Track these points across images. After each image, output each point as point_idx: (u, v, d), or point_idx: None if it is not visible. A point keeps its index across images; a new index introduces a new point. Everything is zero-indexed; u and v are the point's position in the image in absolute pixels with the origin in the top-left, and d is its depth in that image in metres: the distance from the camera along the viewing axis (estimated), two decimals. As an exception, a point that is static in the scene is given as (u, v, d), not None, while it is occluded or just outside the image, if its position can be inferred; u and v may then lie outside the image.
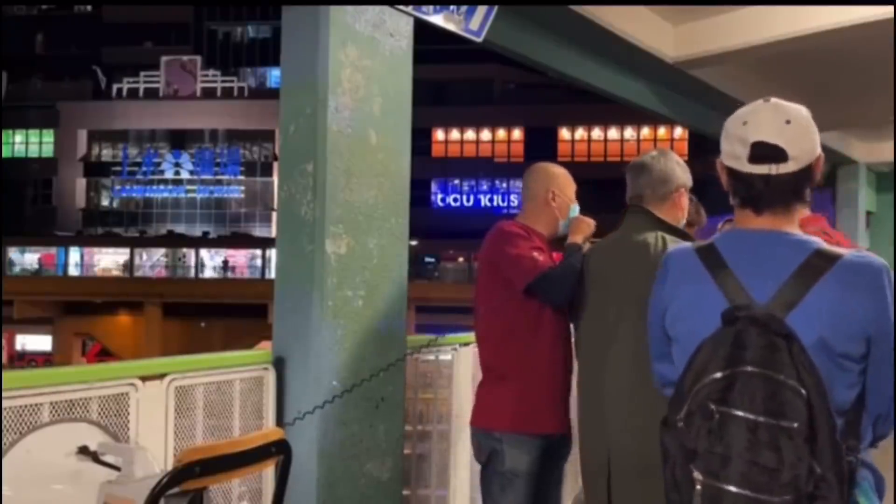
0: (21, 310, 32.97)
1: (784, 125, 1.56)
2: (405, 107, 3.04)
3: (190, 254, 35.90)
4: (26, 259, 36.25)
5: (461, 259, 35.42)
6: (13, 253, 35.77)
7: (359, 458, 2.82)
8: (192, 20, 40.03)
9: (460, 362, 3.64)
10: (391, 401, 2.93)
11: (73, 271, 35.94)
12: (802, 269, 1.53)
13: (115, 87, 38.51)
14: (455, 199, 37.66)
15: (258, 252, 35.07)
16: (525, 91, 36.42)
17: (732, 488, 1.39)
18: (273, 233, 27.78)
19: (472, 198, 37.51)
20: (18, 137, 39.05)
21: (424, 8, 3.06)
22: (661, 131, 35.34)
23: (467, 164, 37.11)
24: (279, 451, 1.93)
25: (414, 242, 26.37)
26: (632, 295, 2.45)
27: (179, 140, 38.18)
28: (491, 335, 2.85)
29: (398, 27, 2.99)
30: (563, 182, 2.93)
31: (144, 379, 2.37)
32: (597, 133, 36.75)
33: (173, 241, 36.30)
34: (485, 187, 37.42)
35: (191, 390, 2.52)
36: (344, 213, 2.79)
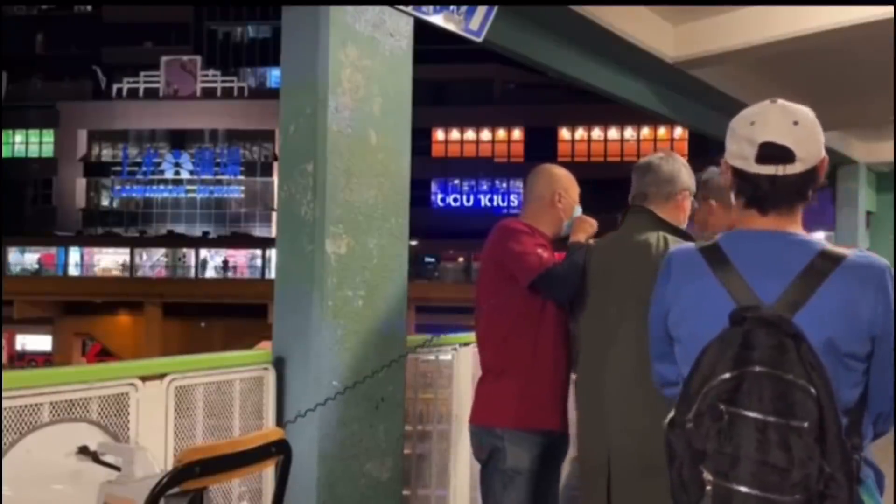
0: (21, 310, 32.98)
1: (792, 126, 1.57)
2: (405, 107, 3.04)
3: (190, 254, 35.90)
4: (26, 259, 36.25)
5: (461, 259, 35.42)
6: (13, 253, 35.77)
7: (359, 458, 2.82)
8: (192, 20, 40.03)
9: (460, 362, 3.64)
10: (391, 401, 2.93)
11: (73, 271, 35.94)
12: (808, 270, 1.54)
13: (115, 87, 38.52)
14: (455, 199, 37.66)
15: (258, 252, 35.07)
16: (525, 91, 36.42)
17: (743, 488, 1.39)
18: (273, 233, 27.78)
19: (472, 198, 37.52)
20: (18, 137, 39.05)
21: (424, 8, 3.06)
22: (661, 131, 35.34)
23: (467, 164, 37.11)
24: (279, 451, 1.93)
25: (414, 242, 26.37)
26: (633, 294, 2.46)
27: (179, 140, 38.18)
28: (493, 333, 2.86)
29: (398, 27, 2.99)
30: (568, 184, 2.97)
31: (144, 379, 2.37)
32: (597, 133, 36.75)
33: (173, 241, 36.30)
34: (485, 187, 37.42)
35: (191, 390, 2.52)
36: (344, 213, 2.79)
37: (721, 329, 1.48)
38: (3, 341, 31.46)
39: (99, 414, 2.23)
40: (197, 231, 37.50)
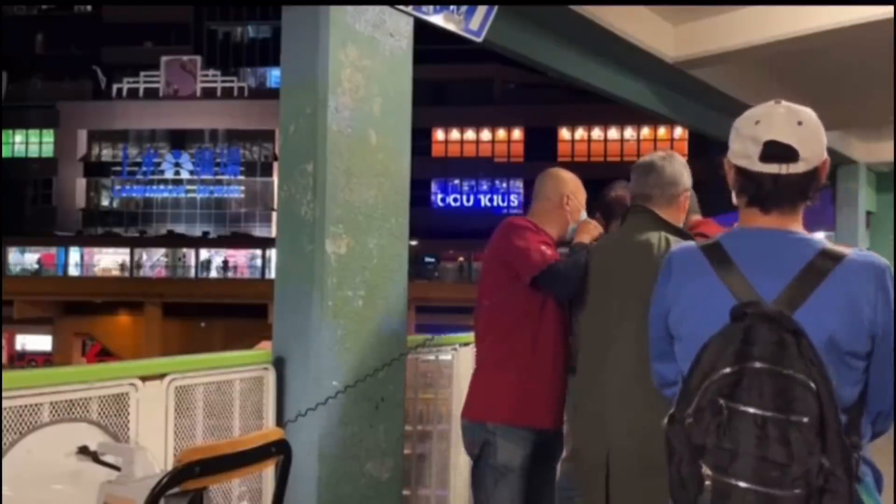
0: (21, 310, 32.98)
1: (797, 126, 1.58)
2: (405, 107, 3.04)
3: (190, 254, 35.90)
4: (26, 259, 36.25)
5: (461, 259, 35.42)
6: (13, 253, 35.77)
7: (359, 458, 2.82)
8: (192, 20, 40.04)
9: (460, 362, 3.64)
10: (391, 401, 2.93)
11: (73, 271, 35.94)
12: (808, 269, 1.54)
13: (115, 87, 38.53)
14: (455, 199, 37.66)
15: (258, 252, 35.07)
16: (525, 91, 36.42)
17: (742, 483, 1.39)
18: (273, 233, 27.79)
19: (472, 198, 37.52)
20: (18, 137, 39.05)
21: (424, 8, 3.06)
22: (661, 131, 35.34)
23: (467, 164, 37.11)
24: (279, 451, 1.93)
25: (414, 242, 26.36)
26: (634, 294, 2.45)
27: (179, 140, 38.19)
28: (493, 329, 2.87)
29: (398, 27, 2.99)
30: (576, 189, 3.02)
31: (144, 379, 2.37)
32: (597, 133, 36.75)
33: (173, 241, 36.30)
34: (485, 187, 37.42)
35: (191, 390, 2.52)
36: (344, 213, 2.79)
37: (722, 325, 1.48)
38: (3, 341, 31.46)
39: (99, 414, 2.23)
40: (197, 231, 37.50)
